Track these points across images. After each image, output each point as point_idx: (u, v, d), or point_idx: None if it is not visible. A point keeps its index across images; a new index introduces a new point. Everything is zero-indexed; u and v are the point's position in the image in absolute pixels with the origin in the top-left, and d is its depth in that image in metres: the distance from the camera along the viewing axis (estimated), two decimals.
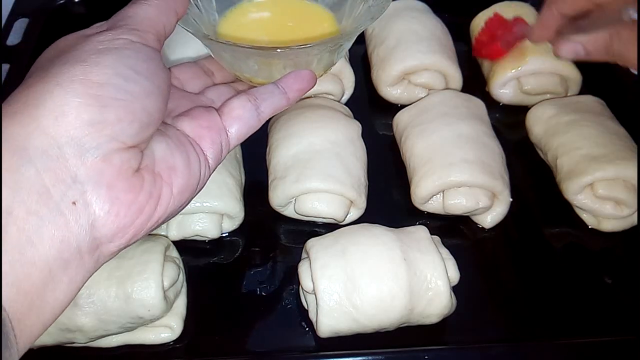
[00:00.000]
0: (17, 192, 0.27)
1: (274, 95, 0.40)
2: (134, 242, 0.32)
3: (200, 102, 0.41)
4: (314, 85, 0.42)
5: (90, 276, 0.31)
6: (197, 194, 0.37)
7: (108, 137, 0.30)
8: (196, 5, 0.48)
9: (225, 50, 0.43)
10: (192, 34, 0.43)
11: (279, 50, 0.41)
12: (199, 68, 0.46)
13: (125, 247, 0.32)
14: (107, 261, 0.32)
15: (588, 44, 0.48)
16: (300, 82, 0.41)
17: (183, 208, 0.36)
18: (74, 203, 0.29)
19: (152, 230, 0.34)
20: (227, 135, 0.38)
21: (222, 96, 0.42)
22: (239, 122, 0.38)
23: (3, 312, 0.26)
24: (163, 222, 0.34)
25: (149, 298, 0.48)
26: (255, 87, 0.44)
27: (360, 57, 0.78)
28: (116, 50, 0.31)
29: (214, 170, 0.38)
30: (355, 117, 0.66)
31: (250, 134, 0.39)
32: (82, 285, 0.30)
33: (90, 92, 0.29)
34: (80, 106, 0.29)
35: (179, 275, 0.51)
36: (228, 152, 0.39)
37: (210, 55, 0.47)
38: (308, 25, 0.51)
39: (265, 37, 0.50)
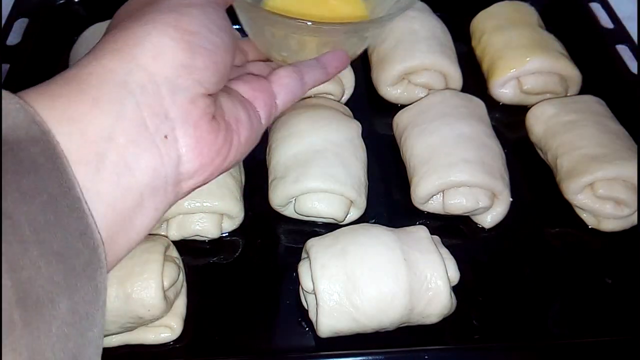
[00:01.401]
0: (118, 121, 0.29)
1: (316, 68, 0.43)
2: (208, 182, 0.35)
3: (246, 71, 0.43)
4: (347, 66, 0.45)
5: (169, 208, 0.33)
6: (253, 147, 0.39)
7: (196, 81, 0.32)
8: None
9: (272, 24, 0.46)
10: (239, 3, 0.45)
11: (325, 27, 0.44)
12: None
13: (199, 187, 0.35)
14: (183, 197, 0.34)
15: None
16: (337, 60, 0.44)
17: (242, 159, 0.38)
18: (165, 137, 0.31)
19: (223, 172, 0.36)
20: (275, 101, 0.40)
21: (261, 71, 0.44)
22: (286, 89, 0.40)
23: (97, 235, 0.27)
24: (229, 168, 0.37)
25: (149, 298, 0.48)
26: None
27: (360, 57, 0.78)
28: (200, 7, 0.34)
29: (263, 130, 0.40)
30: (355, 117, 0.66)
31: (294, 102, 0.42)
32: (163, 215, 0.33)
33: (183, 37, 0.32)
34: (175, 49, 0.31)
35: (179, 275, 0.51)
36: (275, 118, 0.41)
37: (245, 37, 0.49)
38: (341, 11, 0.54)
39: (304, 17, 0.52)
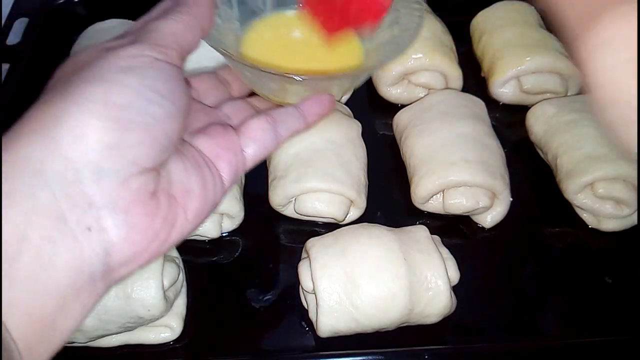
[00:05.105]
0: (32, 217, 0.26)
1: (293, 118, 0.39)
2: (143, 268, 0.32)
3: (216, 117, 0.40)
4: (330, 111, 0.42)
5: (101, 300, 0.30)
6: (206, 219, 0.36)
7: (128, 161, 0.28)
8: (218, 15, 0.45)
9: (247, 70, 0.42)
10: (214, 48, 0.41)
11: (301, 78, 0.40)
12: (216, 79, 0.45)
13: (135, 272, 0.31)
14: (117, 284, 0.31)
15: None
16: (320, 106, 0.41)
17: (189, 235, 0.35)
18: (89, 229, 0.27)
19: (163, 254, 0.33)
20: (244, 156, 0.37)
21: (238, 112, 0.41)
22: (257, 143, 0.37)
23: (12, 346, 0.25)
24: (171, 248, 0.33)
25: (149, 298, 0.48)
26: (273, 104, 0.44)
27: None
28: (139, 70, 0.30)
29: (228, 192, 0.37)
30: (355, 117, 0.66)
31: (266, 155, 0.38)
32: (93, 310, 0.29)
33: (112, 114, 0.28)
34: (101, 129, 0.27)
35: (179, 275, 0.51)
36: (244, 173, 0.37)
37: (228, 66, 0.46)
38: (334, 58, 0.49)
39: (289, 57, 0.48)
